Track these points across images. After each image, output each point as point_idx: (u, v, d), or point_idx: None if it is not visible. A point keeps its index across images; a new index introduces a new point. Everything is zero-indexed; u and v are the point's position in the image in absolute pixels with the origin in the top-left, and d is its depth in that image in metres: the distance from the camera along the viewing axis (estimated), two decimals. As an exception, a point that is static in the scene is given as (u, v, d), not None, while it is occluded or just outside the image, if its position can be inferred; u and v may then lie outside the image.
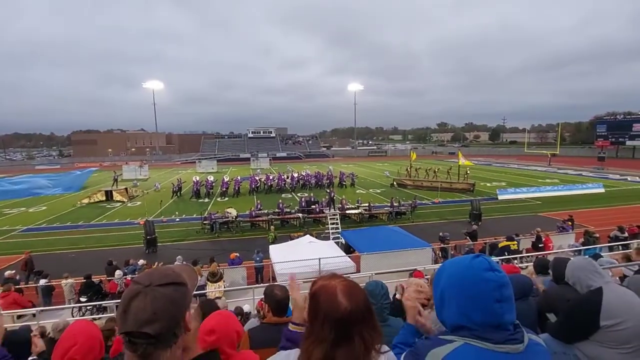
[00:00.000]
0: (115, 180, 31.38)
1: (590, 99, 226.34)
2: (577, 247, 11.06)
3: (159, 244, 15.12)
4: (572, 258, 2.38)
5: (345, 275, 1.12)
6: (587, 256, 5.01)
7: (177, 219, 20.20)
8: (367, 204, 20.07)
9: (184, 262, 11.54)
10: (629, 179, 34.02)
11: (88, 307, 9.25)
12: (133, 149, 79.34)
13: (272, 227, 16.66)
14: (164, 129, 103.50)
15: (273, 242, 14.21)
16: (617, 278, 3.44)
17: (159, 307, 0.86)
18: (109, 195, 26.59)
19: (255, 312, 5.52)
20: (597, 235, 12.08)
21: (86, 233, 17.84)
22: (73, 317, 8.55)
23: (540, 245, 12.25)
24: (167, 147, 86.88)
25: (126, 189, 27.75)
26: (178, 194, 27.27)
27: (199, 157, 62.50)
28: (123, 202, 25.77)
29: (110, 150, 75.15)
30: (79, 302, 9.45)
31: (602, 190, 26.79)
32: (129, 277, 10.19)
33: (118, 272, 10.22)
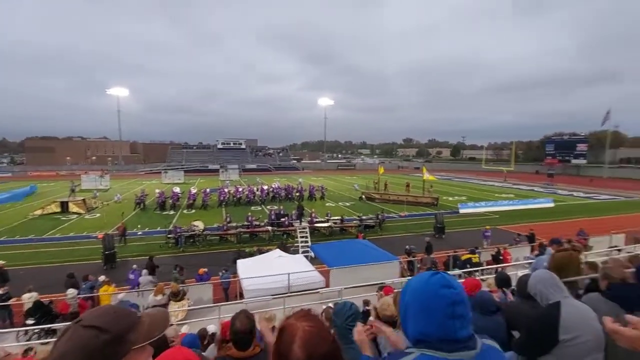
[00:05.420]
0: (73, 190, 29.31)
1: (540, 120, 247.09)
2: (532, 259, 11.84)
3: (118, 260, 14.31)
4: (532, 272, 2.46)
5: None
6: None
7: (140, 233, 19.24)
8: (339, 217, 20.33)
9: (149, 275, 11.03)
10: (574, 194, 37.14)
11: (35, 331, 8.51)
12: (94, 158, 75.07)
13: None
14: (129, 137, 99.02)
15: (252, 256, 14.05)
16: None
17: (67, 349, 0.78)
18: (64, 206, 24.81)
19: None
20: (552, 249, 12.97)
21: (37, 248, 16.49)
22: (18, 341, 7.83)
23: (500, 258, 12.99)
24: (130, 157, 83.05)
25: (84, 200, 26.09)
26: (141, 206, 26.04)
27: (165, 168, 60.22)
28: (80, 214, 24.18)
29: (68, 158, 70.50)
30: (25, 325, 8.67)
31: (552, 204, 28.99)
32: (82, 296, 9.56)
33: (71, 291, 9.50)
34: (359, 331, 1.67)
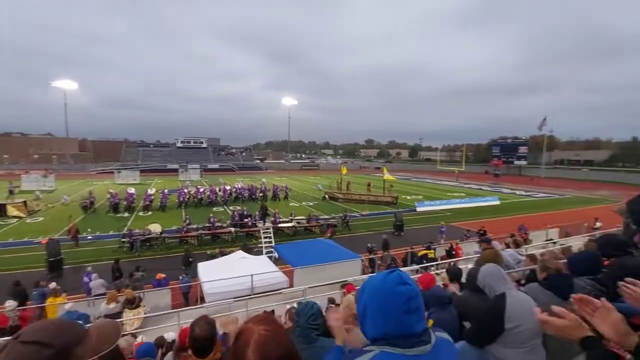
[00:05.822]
0: (11, 192, 26.67)
1: (487, 124, 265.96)
2: (480, 253, 12.79)
3: (65, 267, 13.29)
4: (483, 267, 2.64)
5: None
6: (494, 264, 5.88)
7: (90, 237, 17.93)
8: (305, 217, 20.55)
9: (104, 282, 10.40)
10: (517, 192, 40.51)
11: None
12: (36, 156, 68.06)
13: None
14: (78, 134, 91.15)
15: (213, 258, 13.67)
16: (516, 282, 4.05)
17: None
18: (1, 209, 22.53)
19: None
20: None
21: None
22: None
23: (452, 253, 13.87)
24: (79, 155, 76.66)
25: (25, 202, 23.76)
26: (91, 208, 24.23)
27: (118, 167, 56.47)
28: (20, 217, 22.07)
29: (6, 156, 63.44)
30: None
31: (498, 202, 31.41)
32: (24, 307, 8.79)
33: (9, 303, 8.63)
34: (335, 318, 1.62)
